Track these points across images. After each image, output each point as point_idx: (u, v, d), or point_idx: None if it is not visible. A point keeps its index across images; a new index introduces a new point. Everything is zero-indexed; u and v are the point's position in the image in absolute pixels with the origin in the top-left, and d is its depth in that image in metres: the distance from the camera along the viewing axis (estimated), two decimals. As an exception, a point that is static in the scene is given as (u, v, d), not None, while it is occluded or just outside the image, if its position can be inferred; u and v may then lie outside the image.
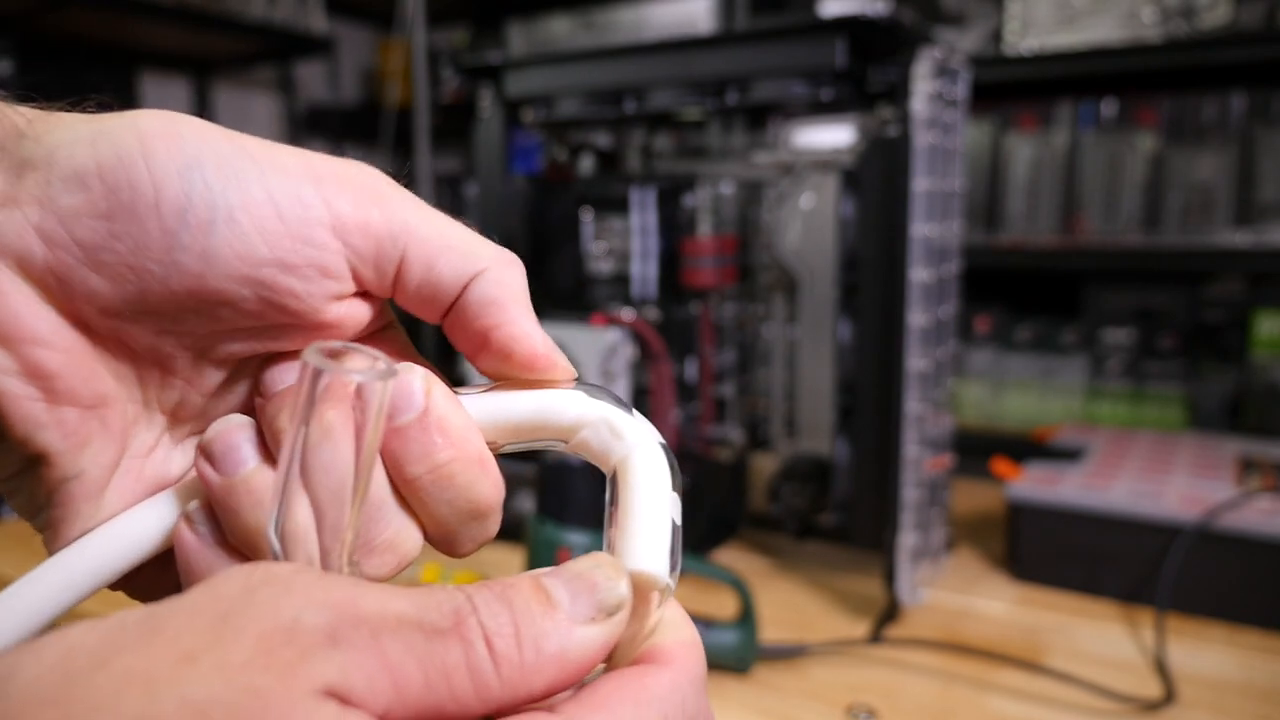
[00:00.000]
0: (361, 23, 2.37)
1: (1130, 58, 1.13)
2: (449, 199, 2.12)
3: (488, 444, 0.24)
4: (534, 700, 0.18)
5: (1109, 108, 1.27)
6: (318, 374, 0.19)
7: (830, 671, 0.64)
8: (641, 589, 0.20)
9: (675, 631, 0.21)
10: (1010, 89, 1.32)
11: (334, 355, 0.19)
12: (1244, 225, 1.20)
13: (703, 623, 0.64)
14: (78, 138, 0.21)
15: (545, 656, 0.18)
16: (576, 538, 0.65)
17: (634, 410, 0.23)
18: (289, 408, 0.20)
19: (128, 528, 0.23)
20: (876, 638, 0.68)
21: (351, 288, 0.23)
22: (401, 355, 0.25)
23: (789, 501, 0.83)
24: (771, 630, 0.68)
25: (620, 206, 0.86)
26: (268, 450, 0.22)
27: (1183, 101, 1.23)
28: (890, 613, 0.70)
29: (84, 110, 0.23)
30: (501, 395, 0.24)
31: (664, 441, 0.23)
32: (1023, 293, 1.43)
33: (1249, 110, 1.21)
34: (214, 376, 0.24)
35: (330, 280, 0.22)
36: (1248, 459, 0.85)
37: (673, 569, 0.21)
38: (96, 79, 1.85)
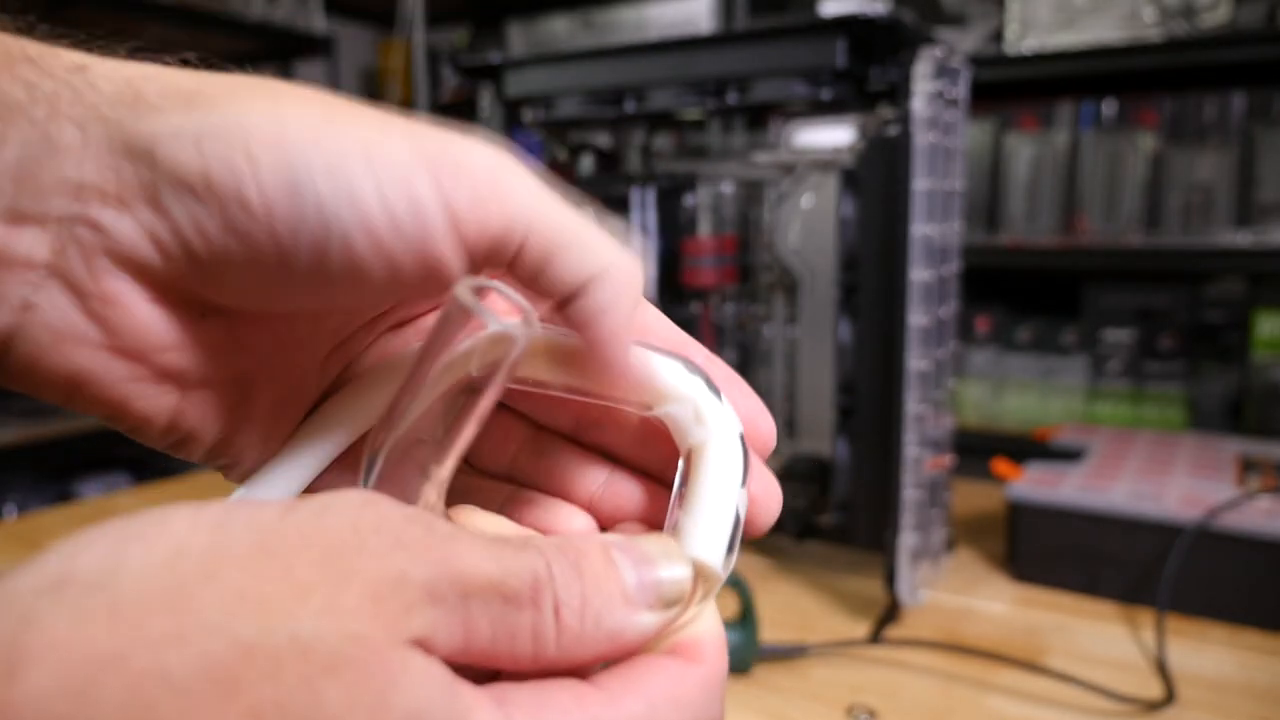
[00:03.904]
0: (361, 23, 2.37)
1: (1130, 58, 1.13)
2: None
3: (567, 389, 0.23)
4: (574, 667, 0.19)
5: (1109, 108, 1.28)
6: (465, 314, 0.19)
7: (830, 672, 0.64)
8: (696, 579, 0.20)
9: (709, 624, 0.21)
10: (1010, 89, 1.32)
11: (480, 292, 0.19)
12: (1244, 225, 1.20)
13: (703, 622, 0.64)
14: (180, 131, 0.19)
15: (601, 632, 0.18)
16: None
17: (723, 395, 0.23)
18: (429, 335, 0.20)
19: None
20: (876, 638, 0.68)
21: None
22: None
23: (789, 501, 0.83)
24: (771, 630, 0.68)
25: (620, 206, 0.86)
26: None
27: (1183, 101, 1.23)
28: (890, 613, 0.70)
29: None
30: None
31: (743, 432, 0.22)
32: (1023, 293, 1.43)
33: (1249, 110, 1.21)
34: (342, 334, 0.25)
35: (443, 282, 0.22)
36: (1248, 459, 0.85)
37: (728, 563, 0.21)
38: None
